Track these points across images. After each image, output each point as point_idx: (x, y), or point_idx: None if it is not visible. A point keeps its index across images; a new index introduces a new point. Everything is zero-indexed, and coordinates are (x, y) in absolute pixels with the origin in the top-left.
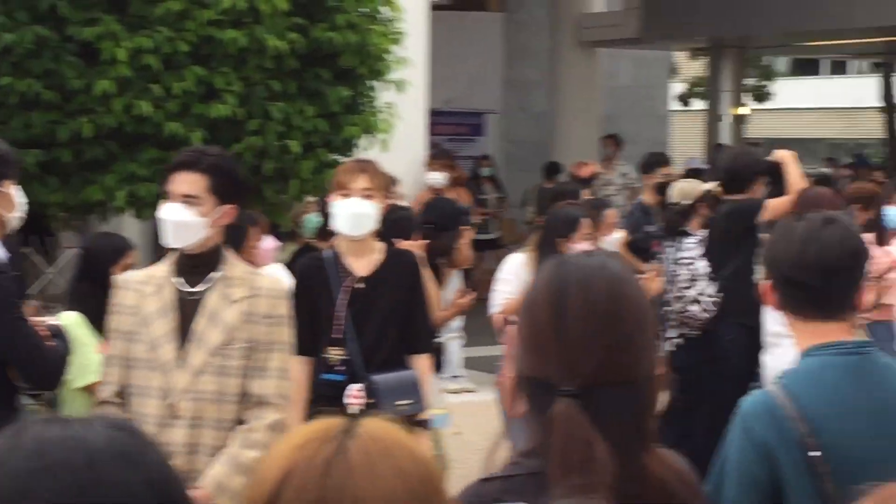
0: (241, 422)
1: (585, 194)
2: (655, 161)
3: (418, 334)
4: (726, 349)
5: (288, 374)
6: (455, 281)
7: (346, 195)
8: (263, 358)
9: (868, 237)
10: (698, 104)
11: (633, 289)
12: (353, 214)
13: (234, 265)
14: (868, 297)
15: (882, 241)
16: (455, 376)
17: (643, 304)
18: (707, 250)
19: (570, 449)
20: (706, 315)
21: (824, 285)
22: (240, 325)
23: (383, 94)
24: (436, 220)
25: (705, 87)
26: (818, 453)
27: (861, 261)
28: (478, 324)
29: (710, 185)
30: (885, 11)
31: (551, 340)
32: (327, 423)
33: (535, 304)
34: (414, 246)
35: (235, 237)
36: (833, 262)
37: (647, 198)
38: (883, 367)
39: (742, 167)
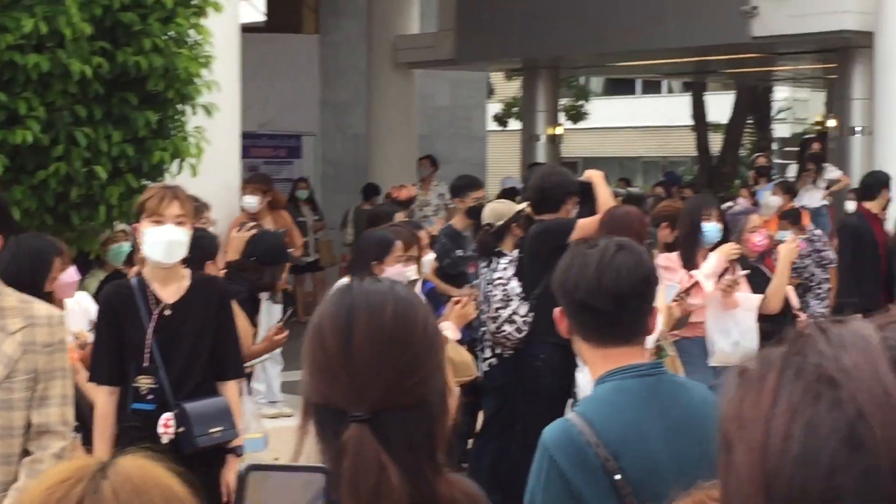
0: (27, 453)
1: (403, 216)
2: (466, 184)
3: (227, 360)
4: (539, 368)
5: (70, 401)
6: (276, 311)
7: (159, 222)
8: (44, 387)
9: (673, 256)
10: (515, 124)
11: (422, 312)
12: (168, 242)
13: (6, 295)
14: (674, 314)
15: (690, 259)
16: (273, 401)
17: (431, 327)
18: (519, 270)
19: (362, 475)
20: (520, 335)
21: (618, 311)
22: (20, 357)
23: (193, 119)
24: (259, 254)
25: (521, 108)
26: (619, 476)
27: (652, 286)
28: (296, 348)
29: (523, 206)
30: (694, 32)
31: (339, 366)
32: (83, 463)
33: (322, 330)
34: (216, 270)
35: (39, 268)
36: (627, 289)
37: (457, 222)
38: (675, 387)
39: (552, 187)
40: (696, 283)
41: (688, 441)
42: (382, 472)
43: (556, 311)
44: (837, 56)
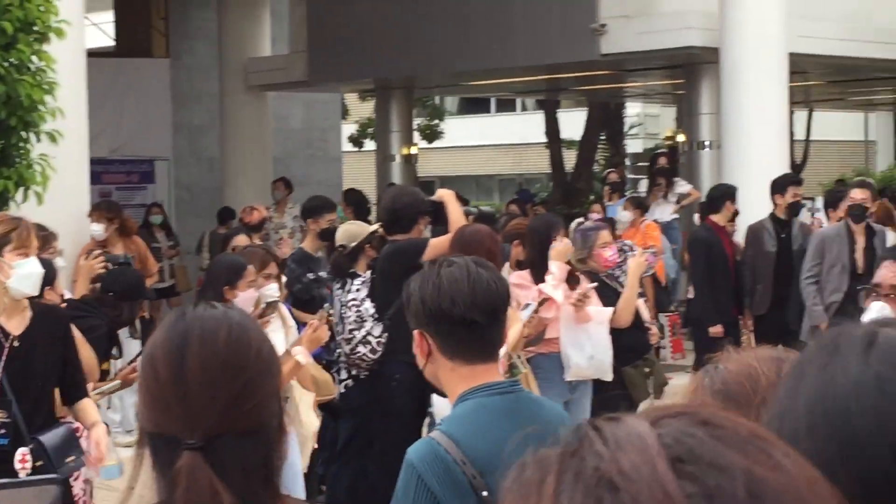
0: None
1: (256, 239)
2: (319, 206)
3: (77, 384)
4: (395, 388)
5: None
6: (134, 346)
7: (26, 254)
8: None
9: (525, 274)
10: (371, 145)
11: (256, 337)
12: (38, 274)
13: None
14: (527, 330)
15: (541, 277)
16: (129, 430)
17: (266, 352)
18: (372, 291)
19: (195, 503)
20: (375, 356)
21: (491, 325)
22: None
23: (38, 146)
24: (117, 290)
25: (375, 128)
26: (486, 493)
27: (508, 303)
28: None
29: (375, 227)
30: (545, 50)
31: (172, 394)
32: None
33: (154, 358)
34: (55, 296)
35: None
36: (499, 303)
37: (308, 244)
38: (533, 404)
39: (403, 207)
40: (547, 298)
41: None
42: (215, 499)
43: (417, 333)
44: (685, 72)
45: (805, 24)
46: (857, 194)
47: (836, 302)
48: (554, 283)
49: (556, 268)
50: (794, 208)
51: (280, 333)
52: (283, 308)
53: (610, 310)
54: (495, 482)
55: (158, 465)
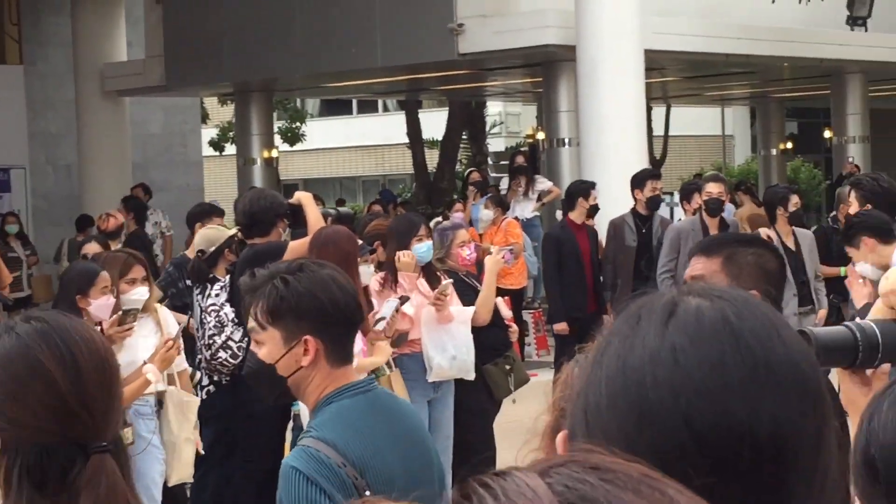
0: None
1: (114, 246)
2: (204, 211)
3: None
4: (256, 392)
5: None
6: None
7: None
8: None
9: (387, 275)
10: (232, 149)
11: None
12: None
13: None
14: (403, 327)
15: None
16: None
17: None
18: (232, 296)
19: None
20: (236, 361)
21: (357, 325)
22: None
23: None
24: None
25: (235, 132)
26: (368, 492)
27: None
28: None
29: (234, 231)
30: (404, 50)
31: (75, 401)
32: None
33: (44, 370)
34: None
35: None
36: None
37: (192, 250)
38: (392, 400)
39: (261, 211)
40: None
41: (414, 452)
42: (133, 498)
43: (308, 338)
44: (544, 70)
45: (660, 21)
46: (713, 188)
47: None
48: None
49: (404, 280)
50: (654, 202)
51: (154, 339)
52: (164, 312)
53: (471, 309)
54: (374, 480)
55: (47, 476)
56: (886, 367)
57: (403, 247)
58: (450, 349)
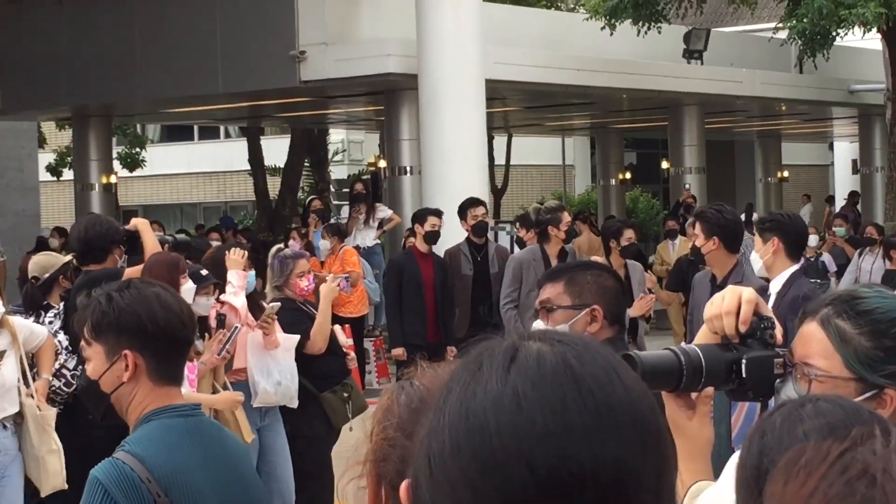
0: None
1: None
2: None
3: None
4: (92, 420)
5: None
6: None
7: None
8: None
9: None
10: (70, 174)
11: None
12: None
13: None
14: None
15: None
16: None
17: None
18: (66, 323)
19: None
20: (69, 389)
21: (186, 345)
22: None
23: None
24: None
25: (73, 157)
26: None
27: None
28: None
29: (69, 258)
30: (245, 77)
31: None
32: None
33: None
34: None
35: None
36: (191, 323)
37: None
38: (213, 428)
39: (96, 237)
40: (231, 308)
41: (229, 477)
42: None
43: (128, 353)
44: (386, 98)
45: (501, 51)
46: (566, 218)
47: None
48: (233, 291)
49: (234, 276)
50: (479, 229)
51: (11, 352)
52: (18, 322)
53: (296, 337)
54: (179, 498)
55: None
56: (710, 390)
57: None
58: (275, 374)
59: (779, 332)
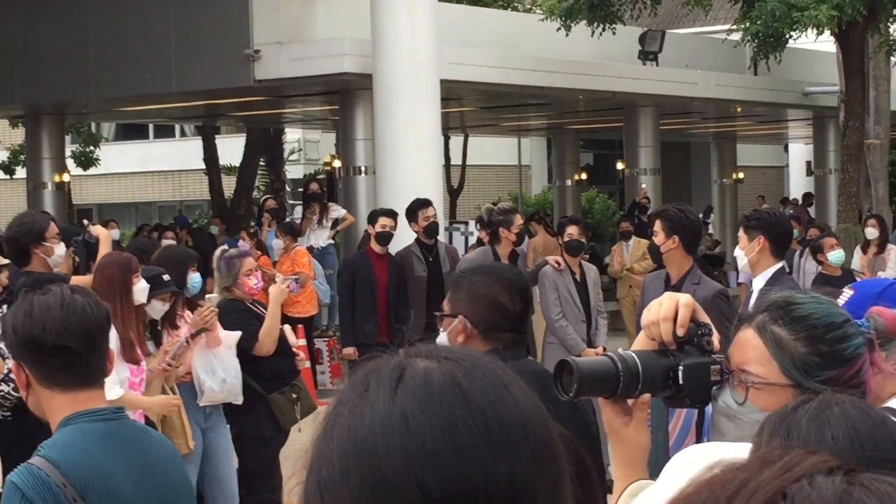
0: None
1: None
2: None
3: None
4: (41, 422)
5: None
6: None
7: None
8: None
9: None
10: (23, 172)
11: None
12: None
13: None
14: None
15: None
16: None
17: None
18: None
19: None
20: (17, 394)
21: (89, 351)
22: None
23: None
24: None
25: (26, 155)
26: None
27: (109, 328)
28: None
29: (6, 261)
30: (200, 76)
31: None
32: None
33: None
34: None
35: None
36: (96, 328)
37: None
38: (137, 432)
39: (13, 237)
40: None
41: (152, 482)
42: None
43: (13, 364)
44: (341, 98)
45: (456, 51)
46: (518, 220)
47: None
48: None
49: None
50: (430, 230)
51: None
52: None
53: (237, 334)
54: (97, 503)
55: None
56: (647, 396)
57: (180, 279)
58: (220, 372)
59: (716, 338)
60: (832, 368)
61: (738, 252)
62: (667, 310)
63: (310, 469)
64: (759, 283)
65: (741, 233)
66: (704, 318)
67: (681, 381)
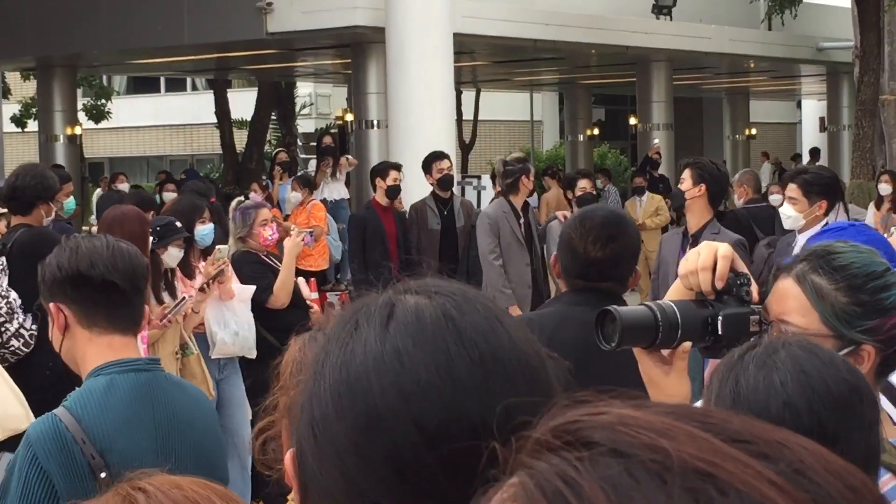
0: None
1: None
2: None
3: None
4: (49, 377)
5: None
6: None
7: None
8: None
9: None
10: (35, 125)
11: None
12: None
13: None
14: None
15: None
16: None
17: None
18: (12, 280)
19: None
20: (28, 349)
21: (131, 293)
22: None
23: None
24: None
25: (38, 108)
26: (104, 475)
27: (147, 277)
28: None
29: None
30: (211, 28)
31: None
32: None
33: None
34: None
35: None
36: (137, 272)
37: None
38: (170, 385)
39: (22, 188)
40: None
41: (177, 440)
42: None
43: (52, 306)
44: (353, 51)
45: (469, 5)
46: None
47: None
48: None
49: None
50: (444, 182)
51: None
52: None
53: (252, 288)
54: (118, 460)
55: None
56: (687, 345)
57: (189, 230)
58: (232, 325)
59: (755, 289)
60: (872, 318)
61: (789, 209)
62: (705, 259)
63: (301, 410)
64: (803, 240)
65: (800, 194)
66: (743, 268)
67: (720, 332)
